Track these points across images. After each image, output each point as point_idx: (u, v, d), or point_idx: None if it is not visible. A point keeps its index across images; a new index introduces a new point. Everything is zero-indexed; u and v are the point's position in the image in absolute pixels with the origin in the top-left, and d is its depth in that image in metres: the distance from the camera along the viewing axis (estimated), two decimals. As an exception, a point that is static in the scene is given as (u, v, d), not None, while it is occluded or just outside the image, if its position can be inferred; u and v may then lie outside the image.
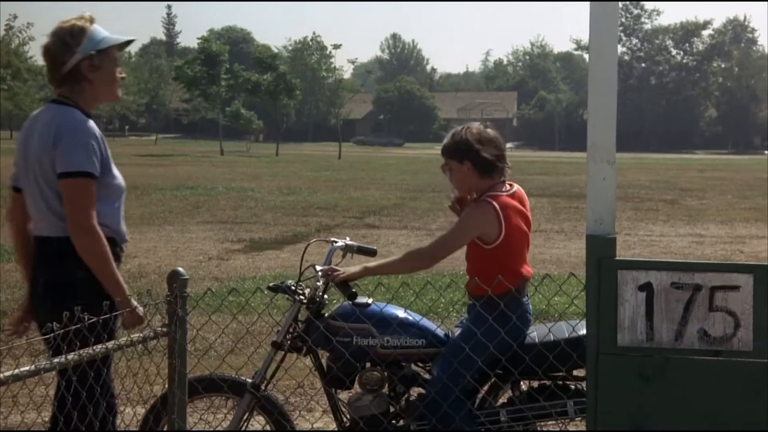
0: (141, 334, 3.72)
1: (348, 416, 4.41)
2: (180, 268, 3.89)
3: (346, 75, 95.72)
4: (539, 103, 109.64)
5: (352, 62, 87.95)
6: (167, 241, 14.99)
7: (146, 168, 37.58)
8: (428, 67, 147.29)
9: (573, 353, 3.99)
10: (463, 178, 4.35)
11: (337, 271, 4.29)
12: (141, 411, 4.34)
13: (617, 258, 3.27)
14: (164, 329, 3.79)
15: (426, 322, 4.38)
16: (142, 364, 4.02)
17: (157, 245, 14.44)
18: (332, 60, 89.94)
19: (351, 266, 4.37)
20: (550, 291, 8.13)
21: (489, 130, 4.37)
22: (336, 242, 4.64)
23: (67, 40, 3.85)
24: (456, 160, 4.34)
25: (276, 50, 76.37)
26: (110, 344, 3.50)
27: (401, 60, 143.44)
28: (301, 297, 4.36)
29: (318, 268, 4.41)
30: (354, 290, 4.35)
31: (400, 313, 4.38)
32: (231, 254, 13.77)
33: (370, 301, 4.36)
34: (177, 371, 3.81)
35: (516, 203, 4.31)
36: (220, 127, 66.94)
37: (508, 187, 4.37)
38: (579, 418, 4.30)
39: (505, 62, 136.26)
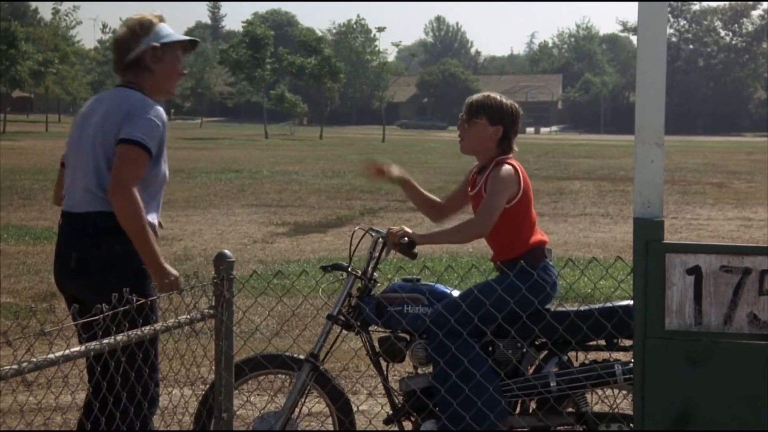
0: (188, 316, 3.75)
1: (400, 395, 4.44)
2: (226, 251, 3.92)
3: (390, 58, 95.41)
4: (584, 85, 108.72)
5: (396, 45, 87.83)
6: (212, 224, 15.10)
7: (191, 151, 37.84)
8: (472, 50, 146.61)
9: (607, 322, 4.12)
10: (482, 138, 4.47)
11: (401, 232, 4.33)
12: (188, 392, 4.38)
13: (665, 241, 3.23)
14: (211, 311, 3.82)
15: None
16: (189, 345, 4.05)
17: (202, 228, 14.55)
18: (376, 43, 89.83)
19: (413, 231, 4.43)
20: (596, 275, 8.08)
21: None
22: (380, 233, 4.65)
23: (137, 30, 4.05)
24: (488, 119, 4.44)
25: (320, 33, 76.45)
26: (158, 326, 3.54)
27: (445, 43, 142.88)
28: (356, 270, 4.42)
29: (377, 229, 4.54)
30: (415, 251, 4.43)
31: (451, 290, 4.48)
32: (275, 237, 13.84)
33: (419, 277, 4.48)
34: (224, 353, 3.84)
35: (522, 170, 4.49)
36: (264, 110, 67.17)
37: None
38: (626, 391, 4.36)
39: (550, 45, 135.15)
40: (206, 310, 3.83)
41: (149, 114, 3.92)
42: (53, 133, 51.01)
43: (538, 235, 4.42)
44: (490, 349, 4.34)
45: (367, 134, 71.38)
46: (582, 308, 4.31)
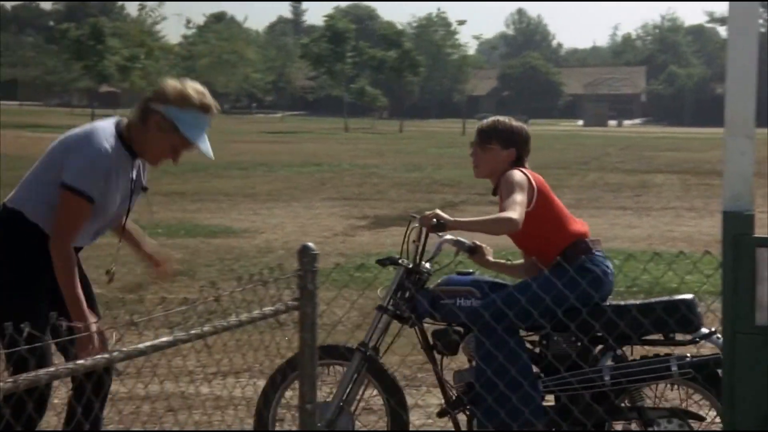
0: (272, 308, 3.79)
1: (454, 388, 4.46)
2: (310, 243, 3.95)
3: (471, 51, 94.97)
4: (669, 77, 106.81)
5: (477, 38, 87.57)
6: (294, 217, 15.24)
7: (273, 145, 38.23)
8: (554, 43, 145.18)
9: (669, 318, 4.09)
10: (496, 161, 4.59)
11: (431, 214, 4.34)
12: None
13: (755, 235, 3.16)
14: (295, 303, 3.85)
15: None
16: (273, 337, 4.10)
17: (283, 221, 14.70)
18: (457, 36, 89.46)
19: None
20: (681, 269, 7.95)
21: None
22: (416, 217, 4.65)
23: (175, 94, 3.95)
24: (501, 144, 4.57)
25: (400, 27, 76.44)
26: (243, 317, 3.59)
27: (526, 35, 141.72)
28: (406, 262, 4.45)
29: (414, 213, 4.57)
30: (472, 244, 4.53)
31: (504, 283, 4.51)
32: (356, 230, 13.91)
33: (472, 270, 4.54)
34: (307, 345, 3.87)
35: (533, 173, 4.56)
36: (344, 104, 67.51)
37: None
38: (684, 387, 4.32)
39: (633, 36, 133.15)
40: (290, 302, 3.87)
41: (88, 152, 3.85)
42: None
43: (574, 230, 4.42)
44: (545, 342, 4.34)
45: (447, 127, 71.24)
46: (642, 303, 4.29)
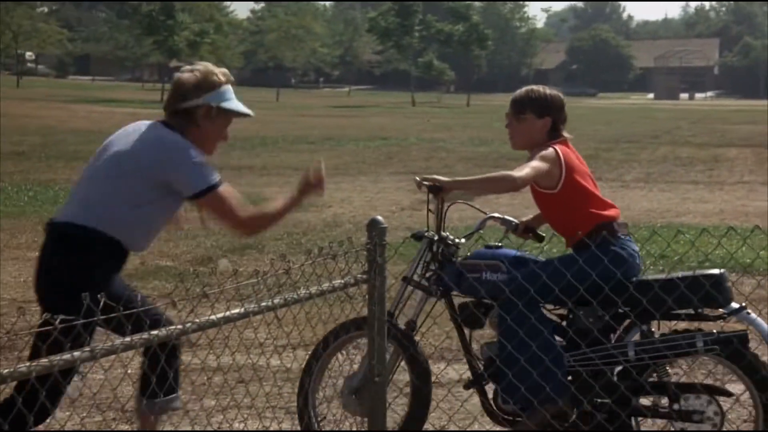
0: (342, 281, 3.81)
1: (481, 361, 4.44)
2: (379, 217, 3.96)
3: (539, 24, 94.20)
4: (743, 49, 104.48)
5: (546, 11, 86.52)
6: (361, 191, 15.27)
7: (340, 119, 38.32)
8: (624, 15, 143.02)
9: (693, 294, 4.05)
10: (532, 131, 4.49)
11: (431, 181, 4.37)
12: (342, 356, 4.47)
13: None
14: (364, 276, 3.87)
15: None
16: (343, 310, 4.12)
17: (351, 195, 14.74)
18: (525, 9, 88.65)
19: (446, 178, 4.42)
20: (756, 244, 7.80)
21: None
22: (490, 215, 4.71)
23: (201, 83, 4.00)
24: (535, 113, 4.48)
25: (468, 0, 75.87)
26: (313, 289, 3.61)
27: (596, 7, 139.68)
28: (431, 233, 4.45)
29: (417, 177, 4.51)
30: (518, 222, 4.61)
31: (530, 257, 4.49)
32: (423, 205, 13.86)
33: (500, 244, 4.52)
34: (376, 318, 3.89)
35: (570, 150, 4.48)
36: (411, 78, 67.31)
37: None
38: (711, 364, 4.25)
39: (707, 8, 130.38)
40: (359, 276, 3.89)
41: (192, 156, 3.88)
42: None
43: (601, 213, 4.33)
44: (571, 316, 4.31)
45: (514, 101, 70.60)
46: (667, 278, 4.20)
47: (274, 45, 78.32)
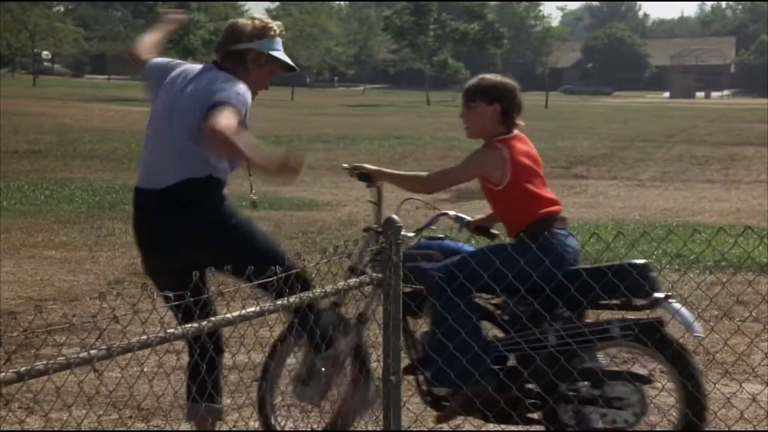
0: (357, 280, 3.81)
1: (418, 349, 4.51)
2: (394, 216, 3.96)
3: (555, 23, 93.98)
4: (760, 47, 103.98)
5: (561, 9, 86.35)
6: (376, 190, 15.27)
7: (354, 118, 38.33)
8: (640, 13, 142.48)
9: (620, 282, 4.12)
10: (484, 120, 4.50)
11: (359, 169, 4.69)
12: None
13: None
14: (379, 275, 3.87)
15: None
16: (358, 308, 4.13)
17: (366, 194, 14.71)
18: (540, 8, 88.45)
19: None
20: (750, 243, 7.76)
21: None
22: (443, 212, 4.86)
23: (256, 29, 4.24)
24: (485, 101, 4.48)
25: (483, -1, 75.77)
26: (329, 288, 3.62)
27: (612, 6, 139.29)
28: (375, 226, 4.57)
29: (345, 166, 4.87)
30: (472, 219, 4.79)
31: (462, 246, 4.63)
32: (438, 203, 13.87)
33: (443, 236, 4.74)
34: (391, 317, 3.89)
35: (523, 145, 4.50)
36: (426, 77, 67.30)
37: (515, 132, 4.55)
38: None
39: (723, 6, 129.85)
40: (375, 274, 3.89)
41: (237, 85, 4.07)
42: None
43: (543, 210, 4.38)
44: (501, 306, 4.43)
45: (530, 100, 69.86)
46: (594, 266, 4.30)
47: (289, 44, 78.33)
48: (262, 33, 4.24)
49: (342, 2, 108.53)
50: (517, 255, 4.21)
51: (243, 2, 69.53)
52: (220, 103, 3.94)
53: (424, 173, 4.62)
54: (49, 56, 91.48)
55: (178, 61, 4.42)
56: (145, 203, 4.12)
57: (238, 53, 4.20)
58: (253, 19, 4.32)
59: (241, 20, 4.32)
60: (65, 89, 56.86)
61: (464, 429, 4.66)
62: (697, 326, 4.24)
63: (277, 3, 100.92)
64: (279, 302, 3.37)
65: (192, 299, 3.06)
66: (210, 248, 4.06)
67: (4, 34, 60.86)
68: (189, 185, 4.03)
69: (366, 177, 4.64)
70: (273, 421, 4.51)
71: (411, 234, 4.61)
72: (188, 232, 4.02)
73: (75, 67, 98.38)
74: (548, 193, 4.48)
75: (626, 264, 4.26)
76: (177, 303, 3.09)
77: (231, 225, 4.08)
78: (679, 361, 4.17)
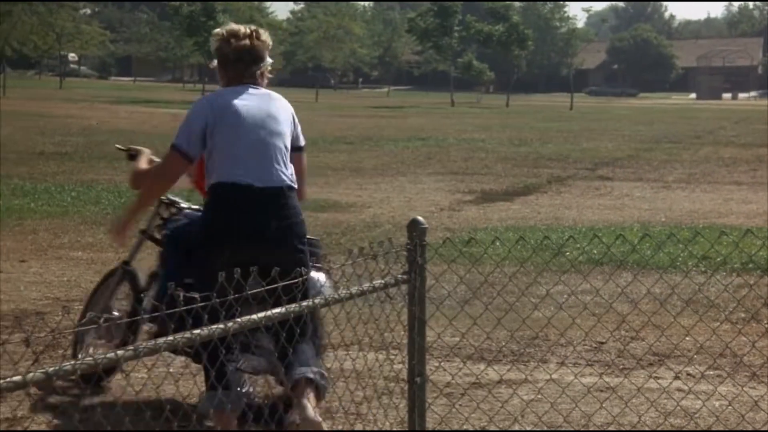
0: (382, 281, 3.81)
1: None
2: (419, 217, 3.96)
3: (580, 24, 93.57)
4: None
5: (587, 11, 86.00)
6: (400, 192, 15.27)
7: (379, 119, 38.33)
8: (666, 14, 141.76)
9: None
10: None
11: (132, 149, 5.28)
12: (382, 357, 4.47)
13: None
14: (404, 277, 3.87)
15: None
16: (383, 310, 4.13)
17: (390, 195, 14.74)
18: (565, 9, 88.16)
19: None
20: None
21: None
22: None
23: (268, 48, 4.68)
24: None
25: (508, 0, 75.61)
26: (354, 289, 3.62)
27: (637, 7, 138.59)
28: (164, 198, 5.16)
29: (118, 146, 5.65)
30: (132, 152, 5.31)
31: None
32: (462, 205, 13.87)
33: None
34: (416, 318, 3.89)
35: None
36: (451, 78, 67.20)
37: None
38: None
39: (750, 6, 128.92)
40: (400, 276, 3.89)
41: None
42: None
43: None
44: None
45: (554, 101, 70.34)
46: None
47: (314, 46, 78.55)
48: (268, 47, 4.74)
49: (366, 3, 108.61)
50: (199, 219, 4.70)
51: (268, 3, 69.67)
52: (303, 150, 4.89)
53: (140, 169, 4.94)
54: (76, 58, 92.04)
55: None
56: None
57: (261, 72, 4.73)
58: (264, 34, 4.72)
59: (262, 37, 4.68)
60: (91, 91, 57.22)
61: (489, 429, 4.65)
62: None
63: (302, 5, 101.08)
64: (304, 304, 3.37)
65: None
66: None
67: (31, 37, 61.18)
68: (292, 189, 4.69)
69: (133, 156, 5.23)
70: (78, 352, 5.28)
71: (185, 205, 5.27)
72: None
73: (101, 69, 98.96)
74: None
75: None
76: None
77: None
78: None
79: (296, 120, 4.62)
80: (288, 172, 4.47)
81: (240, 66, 4.53)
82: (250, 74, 4.54)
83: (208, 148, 4.45)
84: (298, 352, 4.28)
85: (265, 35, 4.65)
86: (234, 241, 4.30)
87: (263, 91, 4.56)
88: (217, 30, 4.70)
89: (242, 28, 4.63)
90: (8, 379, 2.37)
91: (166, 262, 4.94)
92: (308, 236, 4.76)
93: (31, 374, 2.42)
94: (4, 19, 56.10)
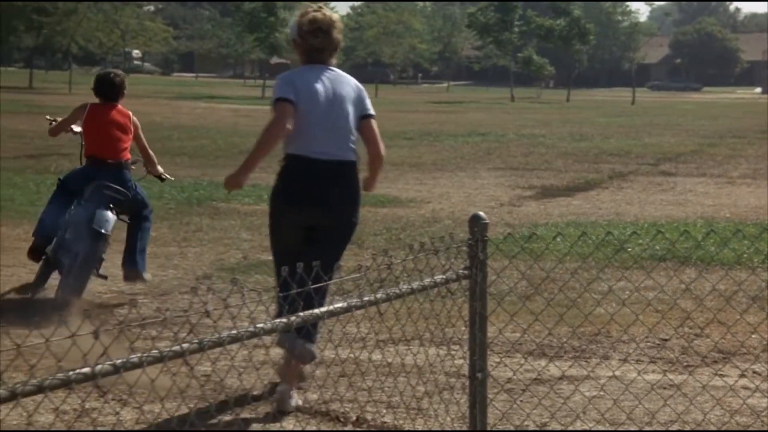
0: (443, 276, 3.81)
1: None
2: (481, 213, 3.94)
3: (642, 18, 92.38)
4: None
5: (650, 5, 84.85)
6: (459, 187, 15.23)
7: (438, 115, 38.27)
8: (731, 7, 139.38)
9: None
10: None
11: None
12: (443, 352, 4.47)
13: None
14: (465, 272, 3.86)
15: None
16: (445, 305, 4.12)
17: (449, 191, 14.71)
18: (628, 3, 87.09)
19: None
20: None
21: None
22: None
23: (341, 33, 5.18)
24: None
25: (569, -4, 74.92)
26: (415, 285, 3.62)
27: (701, 0, 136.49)
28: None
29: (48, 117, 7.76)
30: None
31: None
32: (522, 200, 13.79)
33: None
34: (478, 314, 3.88)
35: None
36: (511, 73, 66.87)
37: None
38: None
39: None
40: (461, 271, 3.88)
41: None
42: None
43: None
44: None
45: (615, 96, 69.59)
46: None
47: (373, 41, 78.61)
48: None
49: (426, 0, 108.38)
50: None
51: (329, 0, 69.82)
52: (372, 117, 5.23)
53: None
54: (140, 55, 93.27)
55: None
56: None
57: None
58: (335, 16, 5.16)
59: (337, 22, 5.15)
60: (155, 87, 57.95)
61: (550, 429, 4.63)
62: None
63: (362, 1, 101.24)
64: (366, 298, 3.38)
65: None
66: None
67: (96, 34, 62.19)
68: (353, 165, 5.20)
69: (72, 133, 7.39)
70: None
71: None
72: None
73: (164, 65, 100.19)
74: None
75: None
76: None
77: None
78: None
79: (364, 94, 5.07)
80: (352, 149, 4.93)
81: (317, 52, 5.01)
82: (325, 58, 5.04)
83: (296, 103, 4.88)
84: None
85: (339, 23, 5.14)
86: (300, 205, 4.84)
87: (335, 72, 5.02)
88: (302, 19, 5.03)
89: (321, 18, 5.04)
90: (77, 371, 2.42)
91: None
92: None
93: (99, 366, 2.47)
94: (70, 17, 57.09)
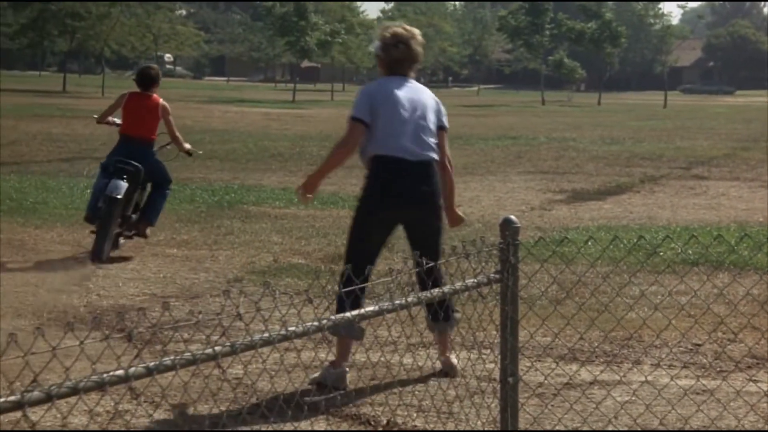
0: (475, 280, 3.80)
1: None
2: (512, 216, 3.93)
3: (675, 21, 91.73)
4: None
5: (682, 7, 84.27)
6: (490, 191, 15.20)
7: (469, 118, 38.21)
8: (765, 10, 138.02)
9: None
10: None
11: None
12: (473, 356, 4.46)
13: None
14: (497, 276, 3.85)
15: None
16: (476, 309, 4.11)
17: (480, 194, 14.68)
18: (660, 5, 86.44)
19: None
20: None
21: None
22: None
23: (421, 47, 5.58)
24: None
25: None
26: (446, 288, 3.61)
27: (735, 3, 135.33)
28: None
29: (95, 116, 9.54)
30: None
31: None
32: (553, 204, 13.74)
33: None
34: (509, 318, 3.87)
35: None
36: (542, 76, 66.63)
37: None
38: None
39: None
40: (492, 275, 3.87)
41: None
42: (338, 101, 53.15)
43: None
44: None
45: (647, 100, 69.16)
46: None
47: (404, 45, 78.45)
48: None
49: (457, 3, 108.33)
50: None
51: (359, 2, 69.97)
52: (445, 129, 5.80)
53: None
54: (172, 59, 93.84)
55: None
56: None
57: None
58: (419, 39, 5.54)
59: (418, 37, 5.53)
60: (186, 91, 58.27)
61: (582, 430, 4.61)
62: None
63: (392, 3, 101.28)
64: (397, 302, 3.39)
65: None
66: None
67: (129, 38, 62.70)
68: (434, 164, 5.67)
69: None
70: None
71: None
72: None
73: (195, 69, 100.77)
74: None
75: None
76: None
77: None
78: None
79: (441, 106, 5.56)
80: (434, 149, 5.38)
81: (397, 63, 5.44)
82: (405, 70, 5.47)
83: (369, 123, 5.31)
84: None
85: (419, 37, 5.53)
86: (388, 202, 5.29)
87: (414, 83, 5.49)
88: (384, 33, 5.50)
89: (402, 32, 5.47)
90: (111, 373, 2.44)
91: None
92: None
93: (132, 369, 2.48)
94: (103, 21, 57.57)
